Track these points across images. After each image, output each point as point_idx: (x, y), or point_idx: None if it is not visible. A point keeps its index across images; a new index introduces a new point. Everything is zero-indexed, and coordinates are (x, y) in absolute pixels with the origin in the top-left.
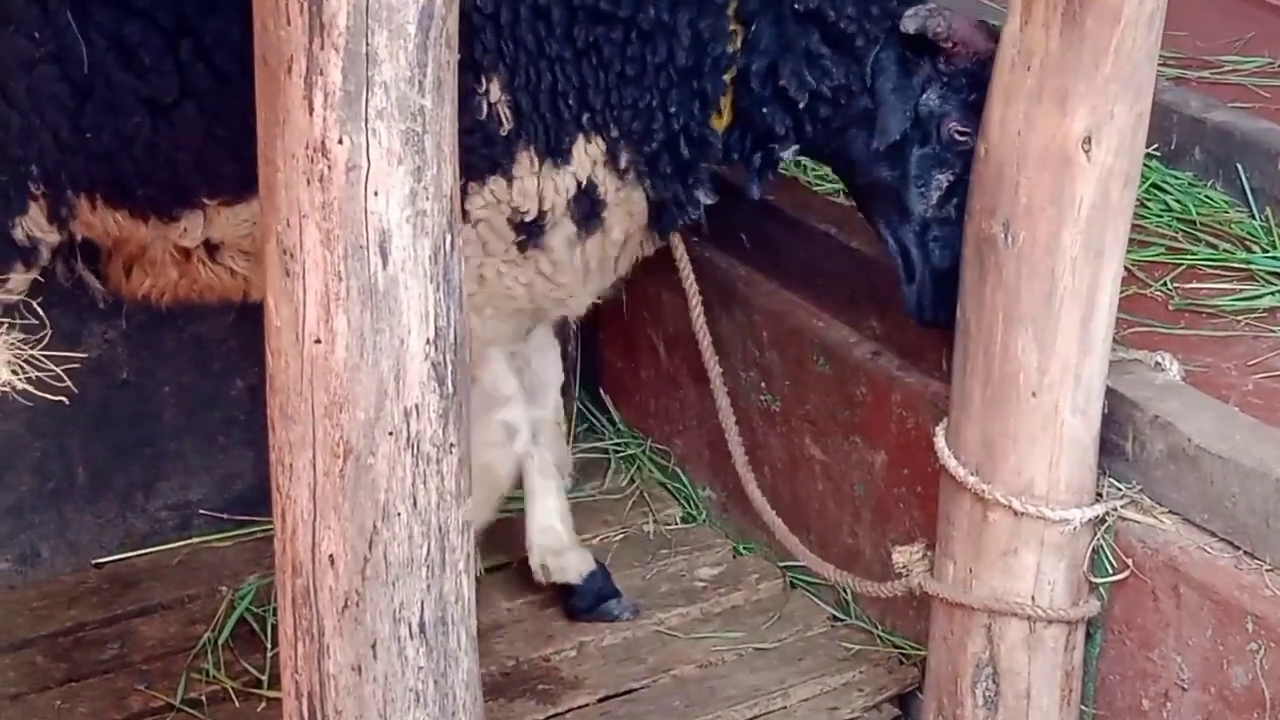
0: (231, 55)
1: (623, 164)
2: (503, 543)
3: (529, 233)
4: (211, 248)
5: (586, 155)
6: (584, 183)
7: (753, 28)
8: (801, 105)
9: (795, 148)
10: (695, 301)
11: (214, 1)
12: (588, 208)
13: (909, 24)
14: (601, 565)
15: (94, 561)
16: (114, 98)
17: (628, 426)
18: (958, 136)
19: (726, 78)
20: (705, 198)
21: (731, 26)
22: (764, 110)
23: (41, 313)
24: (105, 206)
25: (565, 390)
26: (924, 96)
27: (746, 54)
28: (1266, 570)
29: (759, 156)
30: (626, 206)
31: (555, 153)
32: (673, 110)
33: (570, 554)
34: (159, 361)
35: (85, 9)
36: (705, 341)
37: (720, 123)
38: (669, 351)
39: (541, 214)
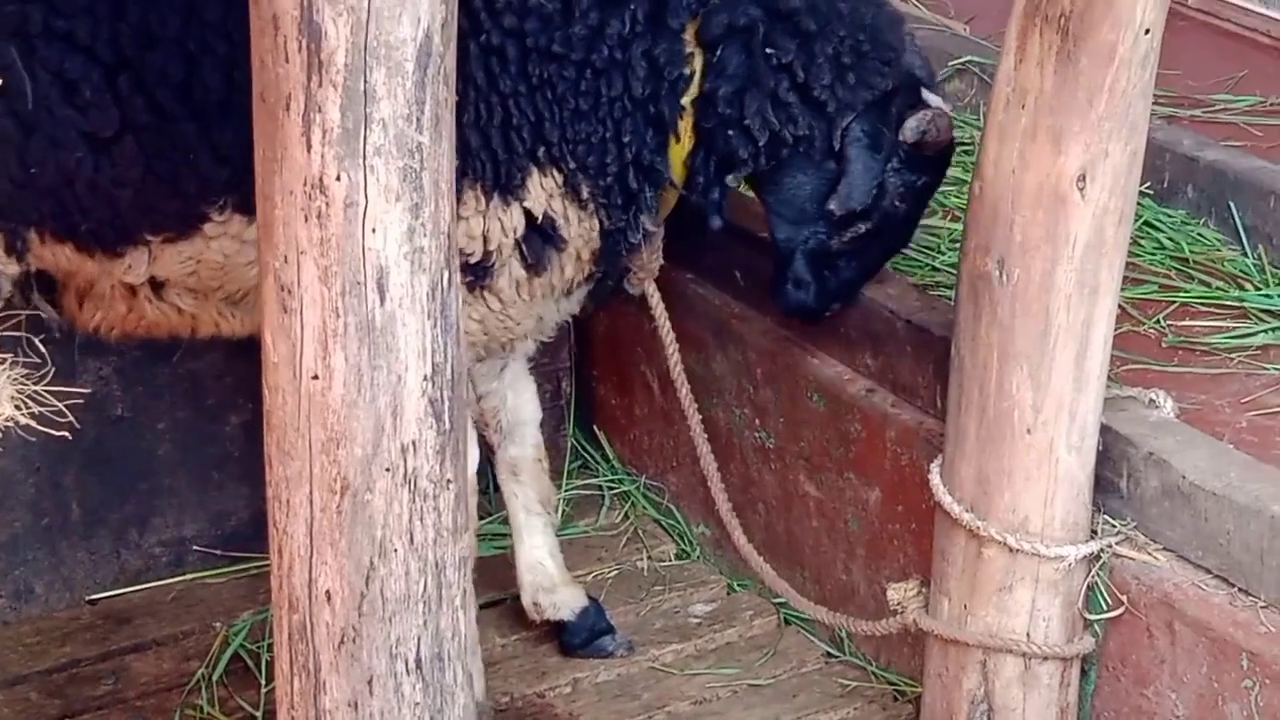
0: (172, 91)
1: (584, 195)
2: (496, 579)
3: (475, 274)
4: (157, 285)
5: (542, 189)
6: (539, 217)
7: (719, 51)
8: (761, 142)
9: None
10: (672, 350)
11: (154, 37)
12: (539, 246)
13: (909, 134)
14: (595, 601)
15: (88, 598)
16: (56, 132)
17: (621, 463)
18: (894, 206)
19: (685, 100)
20: (649, 224)
21: (689, 49)
22: (729, 133)
23: (43, 349)
24: (53, 240)
25: (558, 427)
26: (886, 173)
27: (712, 77)
28: (1261, 607)
29: (718, 188)
30: (586, 237)
31: (505, 189)
32: (626, 140)
33: (562, 590)
34: (154, 398)
35: (30, 44)
36: (684, 391)
37: (680, 149)
38: (662, 388)
39: (487, 254)
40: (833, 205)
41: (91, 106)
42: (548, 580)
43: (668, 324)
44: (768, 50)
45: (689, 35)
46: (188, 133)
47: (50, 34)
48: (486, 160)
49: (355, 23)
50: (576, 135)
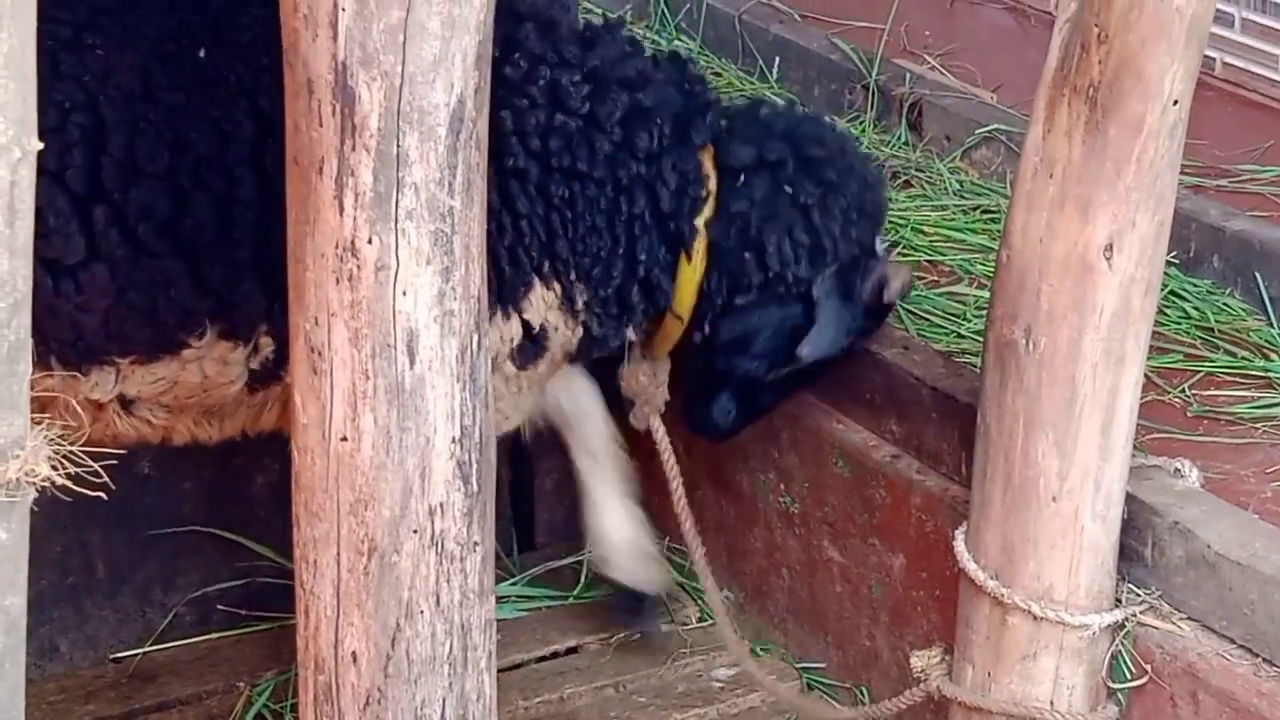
0: (155, 227)
1: (578, 305)
2: (519, 641)
3: None
4: (127, 402)
5: (543, 301)
6: (536, 329)
7: (743, 177)
8: (771, 274)
9: None
10: (676, 484)
11: (139, 170)
12: (530, 351)
13: (894, 294)
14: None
15: (112, 656)
16: None
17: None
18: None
19: (699, 221)
20: (632, 334)
21: (705, 170)
22: (745, 256)
23: (79, 410)
24: None
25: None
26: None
27: (737, 201)
28: None
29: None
30: (566, 343)
31: (507, 302)
32: (640, 256)
33: (645, 564)
34: (181, 457)
35: None
36: (688, 524)
37: (693, 272)
38: (688, 452)
39: None
40: (804, 351)
41: (54, 234)
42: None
43: (673, 460)
44: (789, 188)
45: (705, 156)
46: (170, 267)
47: None
48: (493, 276)
49: (389, 87)
50: (586, 249)
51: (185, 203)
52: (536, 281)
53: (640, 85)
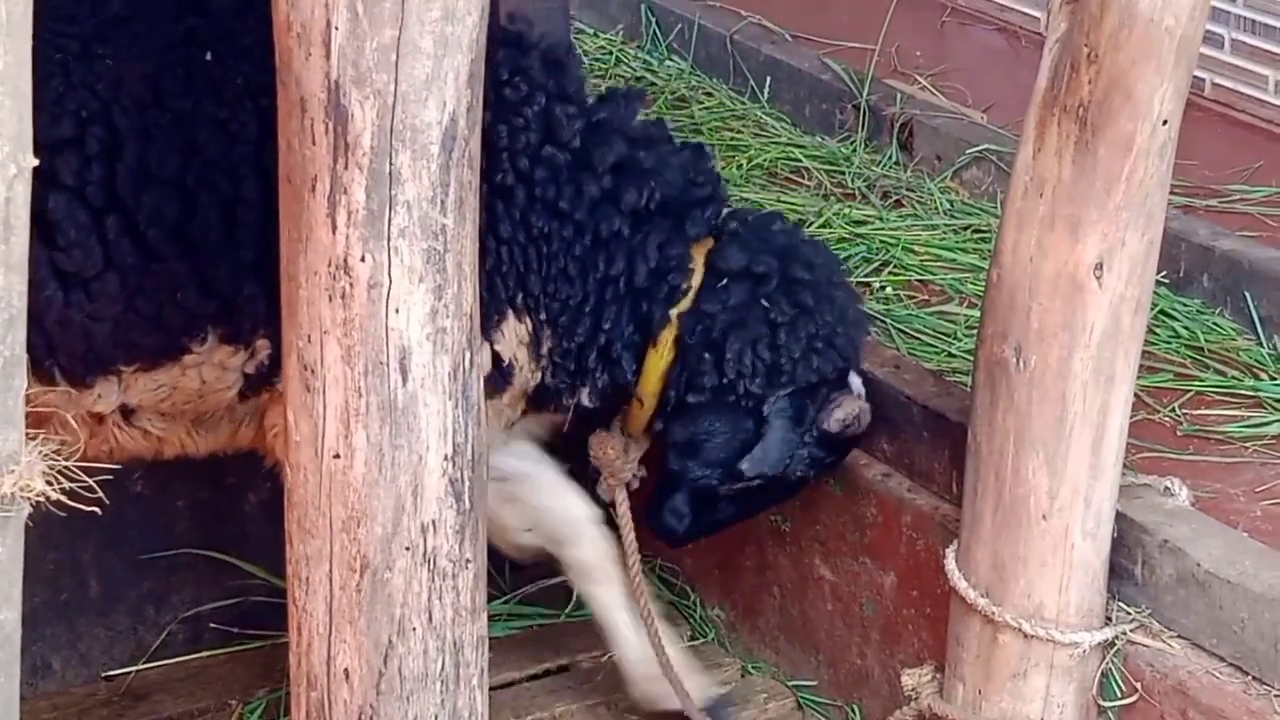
0: (164, 231)
1: (542, 349)
2: (510, 659)
3: None
4: (127, 411)
5: (515, 334)
6: (506, 361)
7: (724, 281)
8: (724, 380)
9: None
10: (634, 560)
11: (150, 175)
12: (498, 381)
13: (834, 425)
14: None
15: (104, 674)
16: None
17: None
18: (796, 476)
19: (673, 311)
20: (586, 401)
21: (692, 264)
22: (704, 356)
23: (75, 425)
24: None
25: None
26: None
27: (709, 299)
28: (1275, 696)
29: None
30: (525, 384)
31: (482, 329)
32: (605, 325)
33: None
34: (172, 475)
35: None
36: (644, 600)
37: (659, 360)
38: None
39: None
40: (744, 466)
41: (74, 247)
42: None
43: (632, 536)
44: (765, 303)
45: (698, 251)
46: (178, 271)
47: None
48: None
49: (381, 106)
50: (556, 292)
51: (193, 206)
52: (510, 313)
53: (643, 144)
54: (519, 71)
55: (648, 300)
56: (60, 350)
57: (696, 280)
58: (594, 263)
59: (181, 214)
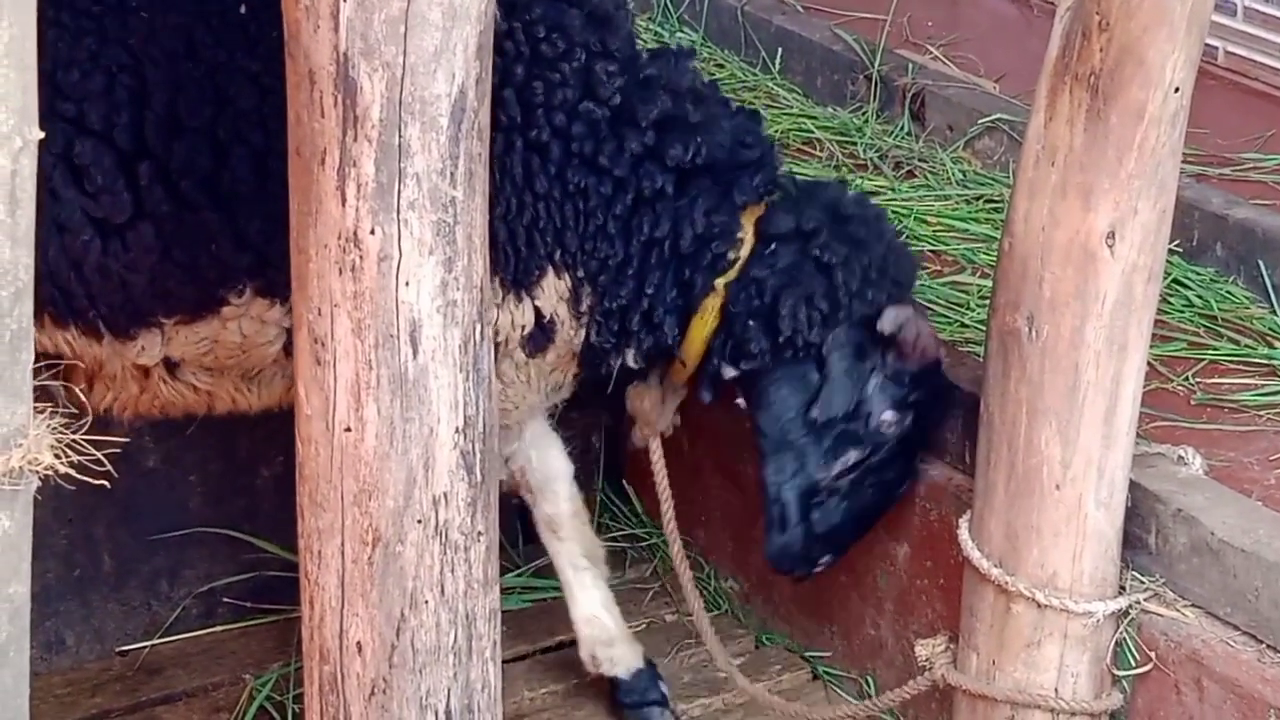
0: (197, 181)
1: (582, 306)
2: (525, 631)
3: None
4: (171, 365)
5: (555, 290)
6: (547, 318)
7: (772, 245)
8: (781, 338)
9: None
10: (668, 507)
11: (180, 125)
12: (540, 339)
13: (887, 324)
14: (651, 665)
15: (118, 649)
16: (61, 216)
17: (650, 517)
18: (884, 427)
19: (719, 281)
20: (631, 362)
21: (741, 233)
22: (750, 323)
23: (83, 398)
24: (53, 326)
25: (588, 481)
26: (869, 383)
27: (757, 265)
28: None
29: (721, 375)
30: (569, 341)
31: (521, 284)
32: (649, 290)
33: (620, 646)
34: (186, 450)
35: None
36: (676, 546)
37: (703, 325)
38: (691, 443)
39: (495, 345)
40: (815, 413)
41: (102, 193)
42: (605, 634)
43: (666, 485)
44: (816, 252)
45: (748, 219)
46: (211, 222)
47: (55, 117)
48: (511, 254)
49: (390, 78)
50: (595, 250)
51: (225, 157)
52: (549, 268)
53: (692, 100)
54: (557, 28)
55: (691, 267)
56: (100, 300)
57: (745, 251)
58: (637, 223)
59: (213, 164)
